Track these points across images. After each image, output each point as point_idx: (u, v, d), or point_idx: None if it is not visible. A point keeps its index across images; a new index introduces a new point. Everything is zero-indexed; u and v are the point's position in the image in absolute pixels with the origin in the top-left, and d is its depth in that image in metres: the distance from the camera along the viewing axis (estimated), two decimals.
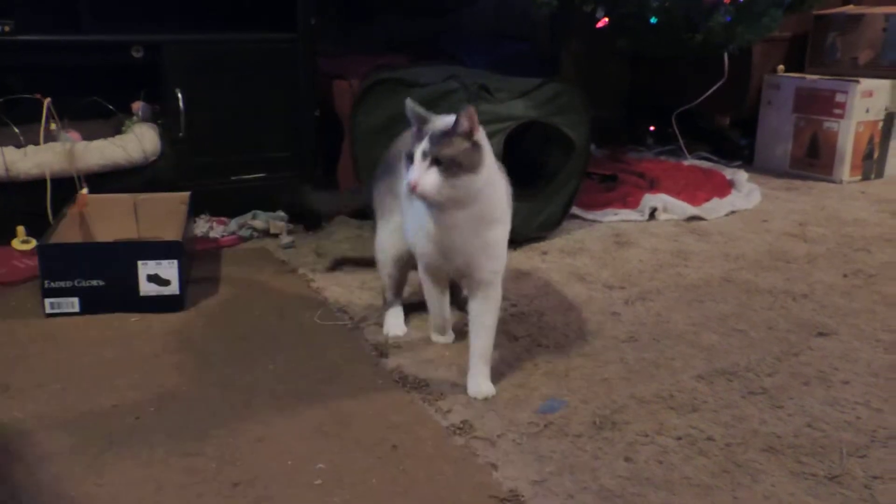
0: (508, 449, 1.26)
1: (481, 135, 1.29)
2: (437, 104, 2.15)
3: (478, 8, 3.26)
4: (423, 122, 1.30)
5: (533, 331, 1.69)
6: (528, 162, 2.38)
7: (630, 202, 2.61)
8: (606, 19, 2.71)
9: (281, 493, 1.14)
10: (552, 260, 2.14)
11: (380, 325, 1.71)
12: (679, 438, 1.29)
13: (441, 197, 1.27)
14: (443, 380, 1.48)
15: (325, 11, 2.38)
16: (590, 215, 2.52)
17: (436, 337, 1.64)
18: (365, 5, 3.03)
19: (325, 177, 2.47)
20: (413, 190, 1.25)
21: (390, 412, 1.37)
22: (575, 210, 2.47)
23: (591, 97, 2.32)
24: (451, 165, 1.25)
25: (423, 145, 1.25)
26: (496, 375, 1.48)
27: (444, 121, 1.29)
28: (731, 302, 1.86)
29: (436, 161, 1.25)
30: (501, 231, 1.37)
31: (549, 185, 2.29)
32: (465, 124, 1.25)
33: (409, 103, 1.32)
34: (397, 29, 3.10)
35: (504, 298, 1.83)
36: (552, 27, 3.28)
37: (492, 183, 1.32)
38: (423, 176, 1.25)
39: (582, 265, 2.10)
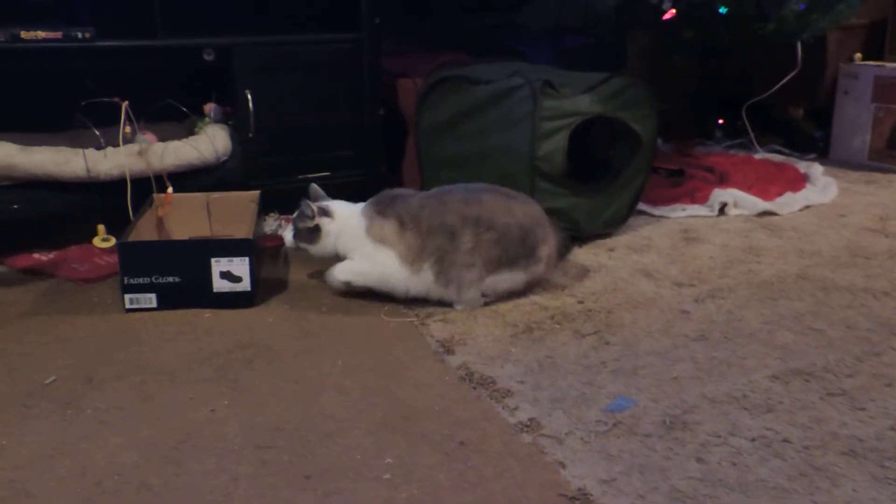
0: (576, 447, 1.25)
1: (325, 222, 1.81)
2: (501, 101, 2.15)
3: (539, 2, 3.23)
4: (313, 199, 1.86)
5: (600, 328, 1.67)
6: (593, 157, 2.36)
7: (698, 197, 2.56)
8: (674, 11, 2.66)
9: (350, 487, 1.16)
10: (619, 256, 2.11)
11: (446, 321, 1.72)
12: (753, 440, 1.26)
13: (294, 249, 1.86)
14: (509, 376, 1.48)
15: (387, 9, 2.40)
16: (657, 211, 2.47)
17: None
18: (423, 1, 3.04)
19: (389, 175, 2.49)
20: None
21: (457, 408, 1.37)
22: (642, 206, 2.43)
23: (657, 90, 2.27)
24: (298, 235, 1.84)
25: (294, 216, 1.84)
26: (562, 372, 1.48)
27: (309, 205, 1.82)
28: (806, 300, 1.81)
29: (294, 227, 1.84)
30: (353, 252, 1.83)
31: (615, 181, 2.26)
32: (307, 213, 1.81)
33: (313, 187, 1.88)
34: (456, 24, 3.10)
35: (570, 295, 1.84)
36: (617, 20, 3.23)
37: (344, 240, 1.82)
38: (286, 234, 1.87)
39: (649, 262, 2.07)
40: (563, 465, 1.20)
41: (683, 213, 2.47)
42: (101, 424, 1.32)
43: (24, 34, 1.98)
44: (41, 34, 2.00)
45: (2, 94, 2.18)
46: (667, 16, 2.67)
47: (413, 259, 1.75)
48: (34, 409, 1.36)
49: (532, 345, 1.61)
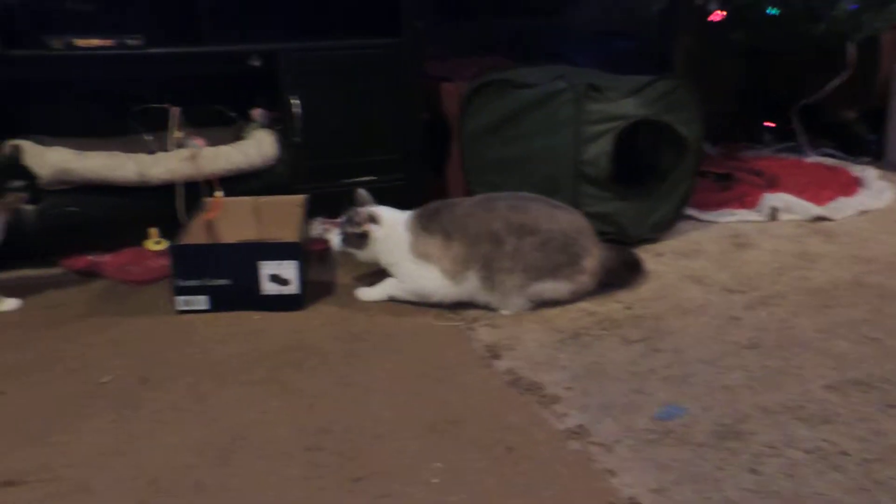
0: (626, 455, 1.24)
1: (373, 228, 1.82)
2: (544, 105, 2.14)
3: (583, 5, 3.21)
4: (359, 204, 1.87)
5: (649, 334, 1.65)
6: (639, 161, 2.33)
7: (748, 202, 2.51)
8: (722, 13, 2.62)
9: (400, 491, 1.17)
10: (667, 262, 2.09)
11: (493, 326, 1.72)
12: (809, 452, 1.23)
13: (342, 253, 1.87)
14: (556, 382, 1.47)
15: (429, 14, 2.40)
16: (705, 216, 2.43)
17: None
18: (465, 5, 3.04)
19: (433, 179, 2.50)
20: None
21: (504, 414, 1.37)
22: (689, 210, 2.39)
23: (704, 93, 2.24)
24: (346, 240, 1.85)
25: (342, 219, 1.86)
26: (611, 379, 1.47)
27: (358, 212, 1.84)
28: (862, 307, 1.76)
29: (342, 232, 1.85)
30: (394, 266, 1.85)
31: (662, 185, 2.24)
32: (356, 220, 1.82)
33: (360, 192, 1.89)
34: (498, 29, 3.09)
35: (617, 301, 1.83)
36: (663, 22, 3.19)
37: (388, 249, 1.83)
38: (334, 238, 1.88)
39: (699, 267, 2.04)
40: (612, 474, 1.19)
41: (732, 217, 2.42)
42: (157, 424, 1.35)
43: (78, 42, 2.03)
44: (94, 42, 2.05)
45: (58, 100, 2.25)
46: (714, 17, 2.64)
47: (458, 270, 1.77)
48: (92, 408, 1.40)
49: (580, 351, 1.60)
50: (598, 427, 1.32)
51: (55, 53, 2.02)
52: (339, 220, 1.87)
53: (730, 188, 2.67)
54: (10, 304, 1.82)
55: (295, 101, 2.24)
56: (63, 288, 1.95)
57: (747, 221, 2.41)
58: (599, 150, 2.06)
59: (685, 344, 1.61)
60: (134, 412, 1.38)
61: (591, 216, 2.09)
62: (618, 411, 1.37)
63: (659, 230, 2.25)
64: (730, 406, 1.37)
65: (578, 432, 1.31)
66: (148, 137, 2.15)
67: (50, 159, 1.98)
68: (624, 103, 2.11)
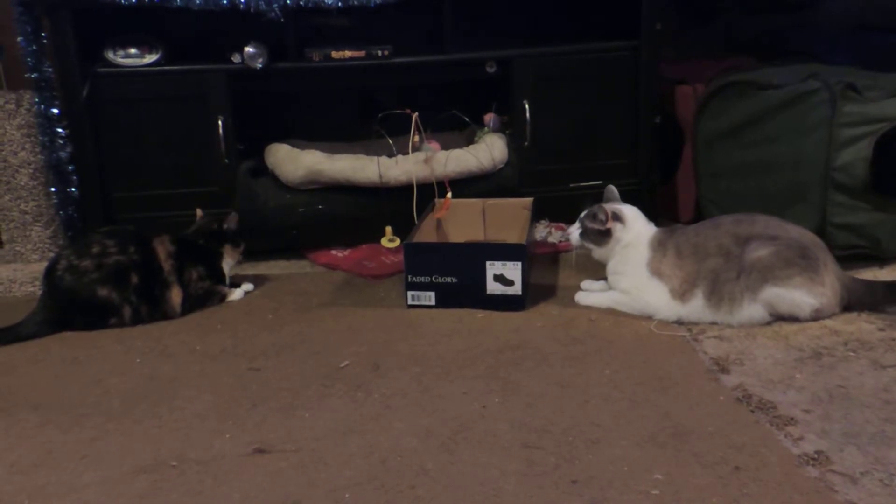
0: (874, 490, 1.12)
1: (617, 227, 1.79)
2: (793, 107, 1.99)
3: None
4: (605, 200, 1.87)
5: None
6: None
7: None
8: None
9: (617, 498, 1.15)
10: None
11: (721, 338, 1.63)
12: None
13: (579, 248, 1.86)
14: (792, 403, 1.37)
15: (671, 15, 2.32)
16: None
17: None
18: (709, 4, 2.90)
19: (662, 185, 2.42)
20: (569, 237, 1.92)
21: (732, 431, 1.30)
22: None
23: None
24: (585, 234, 1.83)
25: (582, 215, 1.85)
26: (858, 405, 1.34)
27: (603, 209, 1.80)
28: None
29: (582, 226, 1.83)
30: (621, 277, 1.83)
31: None
32: (600, 217, 1.79)
33: (609, 189, 1.90)
34: (741, 28, 2.92)
35: (868, 321, 1.67)
36: None
37: (626, 256, 1.81)
38: (573, 231, 1.86)
39: None
40: None
41: None
42: (386, 409, 1.44)
43: (334, 54, 2.22)
44: (348, 53, 2.23)
45: (314, 107, 2.48)
46: None
47: (686, 290, 1.72)
48: (331, 388, 1.53)
49: (820, 372, 1.47)
50: (841, 456, 1.20)
51: (314, 65, 2.22)
52: (582, 214, 1.86)
53: None
54: (238, 294, 2.03)
55: (526, 106, 2.28)
56: (310, 278, 2.14)
57: None
58: (856, 156, 1.88)
59: None
60: (366, 396, 1.49)
61: (840, 227, 1.92)
62: (865, 441, 1.24)
63: None
64: None
65: (817, 459, 1.20)
66: (390, 141, 2.29)
67: (304, 161, 2.19)
68: (887, 104, 1.91)
